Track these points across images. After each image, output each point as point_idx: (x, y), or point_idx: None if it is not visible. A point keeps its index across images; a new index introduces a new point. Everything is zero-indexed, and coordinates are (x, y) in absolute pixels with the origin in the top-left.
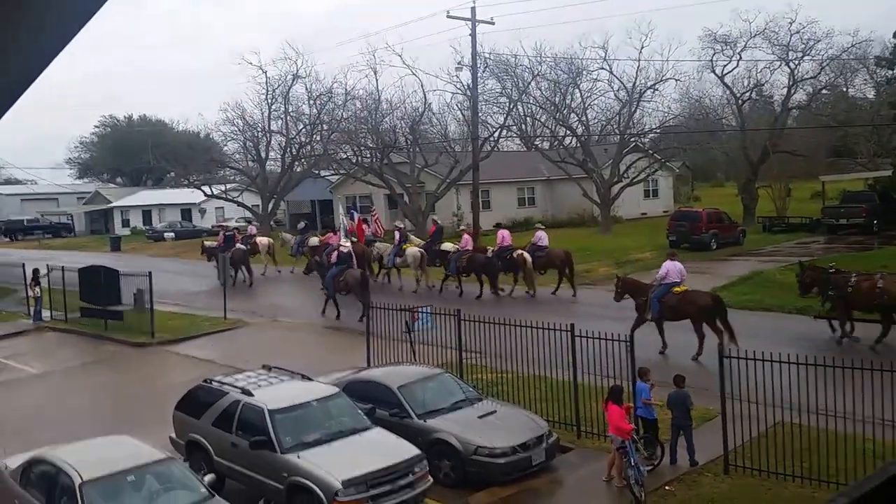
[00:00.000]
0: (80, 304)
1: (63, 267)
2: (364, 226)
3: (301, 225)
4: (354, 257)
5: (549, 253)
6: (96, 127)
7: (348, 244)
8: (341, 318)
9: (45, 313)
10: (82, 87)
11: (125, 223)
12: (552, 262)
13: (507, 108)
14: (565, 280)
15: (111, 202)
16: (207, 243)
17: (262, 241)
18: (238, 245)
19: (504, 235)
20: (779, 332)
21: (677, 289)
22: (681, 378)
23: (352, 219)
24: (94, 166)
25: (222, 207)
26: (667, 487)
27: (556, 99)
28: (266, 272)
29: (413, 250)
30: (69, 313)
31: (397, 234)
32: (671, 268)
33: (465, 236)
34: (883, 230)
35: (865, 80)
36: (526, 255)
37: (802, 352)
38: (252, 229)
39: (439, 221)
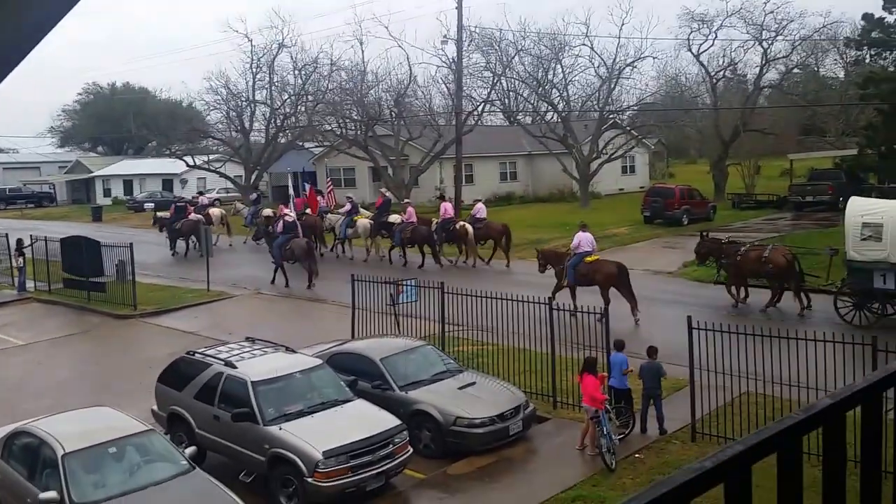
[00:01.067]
0: (62, 275)
1: (46, 237)
2: (319, 197)
3: (254, 196)
4: (300, 227)
5: (488, 225)
6: (79, 94)
7: (293, 214)
8: (290, 286)
9: (29, 284)
10: (65, 55)
11: (106, 193)
12: (490, 233)
13: (490, 83)
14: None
15: (92, 171)
16: (160, 214)
17: (215, 211)
18: (192, 216)
19: (447, 208)
20: (745, 305)
21: (589, 258)
22: (653, 349)
23: (304, 190)
24: (75, 135)
25: (204, 178)
26: (637, 455)
27: (539, 74)
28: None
29: (363, 222)
30: (52, 284)
31: (348, 206)
32: (583, 238)
33: (409, 209)
34: None
35: (835, 60)
36: (468, 226)
37: (768, 324)
38: (204, 200)
39: (387, 194)
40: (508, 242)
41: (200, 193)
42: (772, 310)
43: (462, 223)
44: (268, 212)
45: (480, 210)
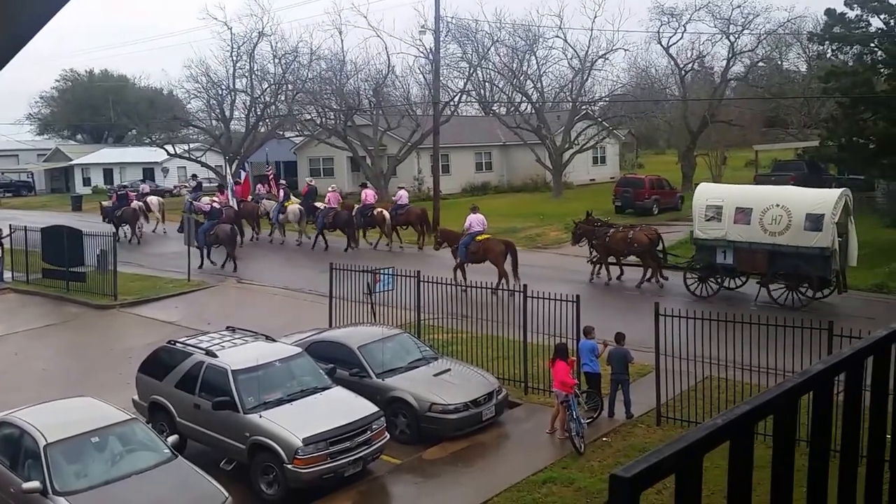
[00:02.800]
0: (42, 265)
1: (26, 227)
2: (259, 185)
3: (193, 183)
4: (235, 213)
5: (408, 211)
6: (57, 81)
7: (217, 201)
8: (205, 268)
9: (7, 274)
10: (42, 40)
11: (86, 182)
12: (409, 218)
13: (467, 73)
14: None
15: (72, 160)
16: (105, 204)
17: (153, 199)
18: (133, 203)
19: (367, 194)
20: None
21: (480, 237)
22: (621, 335)
23: (239, 178)
24: (54, 122)
25: (185, 167)
26: (604, 438)
27: (514, 65)
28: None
29: (293, 207)
30: (31, 274)
31: (282, 192)
32: (474, 219)
33: (329, 195)
34: None
35: (798, 54)
36: (385, 212)
37: (731, 310)
38: (145, 188)
39: (313, 182)
40: (427, 227)
41: (143, 181)
42: (646, 285)
43: (379, 209)
44: (205, 200)
45: (402, 197)
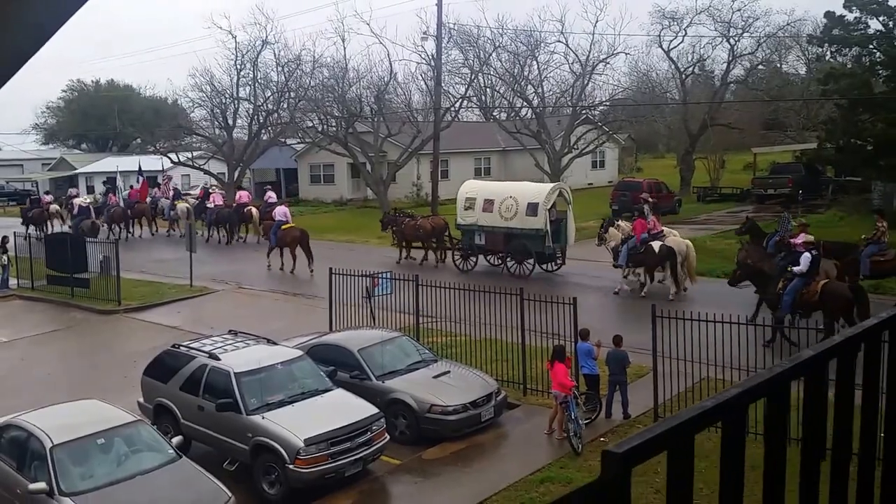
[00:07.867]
0: (46, 272)
1: (30, 234)
2: (155, 188)
3: (103, 189)
4: (92, 211)
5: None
6: (63, 91)
7: (88, 200)
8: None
9: (12, 281)
10: (49, 51)
11: (90, 190)
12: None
13: (468, 79)
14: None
15: (76, 169)
16: (22, 207)
17: (77, 201)
18: (49, 206)
19: (242, 195)
20: (705, 294)
21: (284, 227)
22: (619, 338)
23: (137, 182)
24: (59, 132)
25: (188, 175)
26: (602, 439)
27: (515, 70)
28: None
29: (182, 205)
30: (35, 281)
31: (172, 192)
32: (278, 211)
33: (213, 196)
34: (807, 200)
35: (798, 56)
36: (254, 210)
37: (727, 312)
38: (73, 191)
39: (206, 186)
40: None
41: (73, 186)
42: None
43: (250, 207)
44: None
45: (271, 197)
